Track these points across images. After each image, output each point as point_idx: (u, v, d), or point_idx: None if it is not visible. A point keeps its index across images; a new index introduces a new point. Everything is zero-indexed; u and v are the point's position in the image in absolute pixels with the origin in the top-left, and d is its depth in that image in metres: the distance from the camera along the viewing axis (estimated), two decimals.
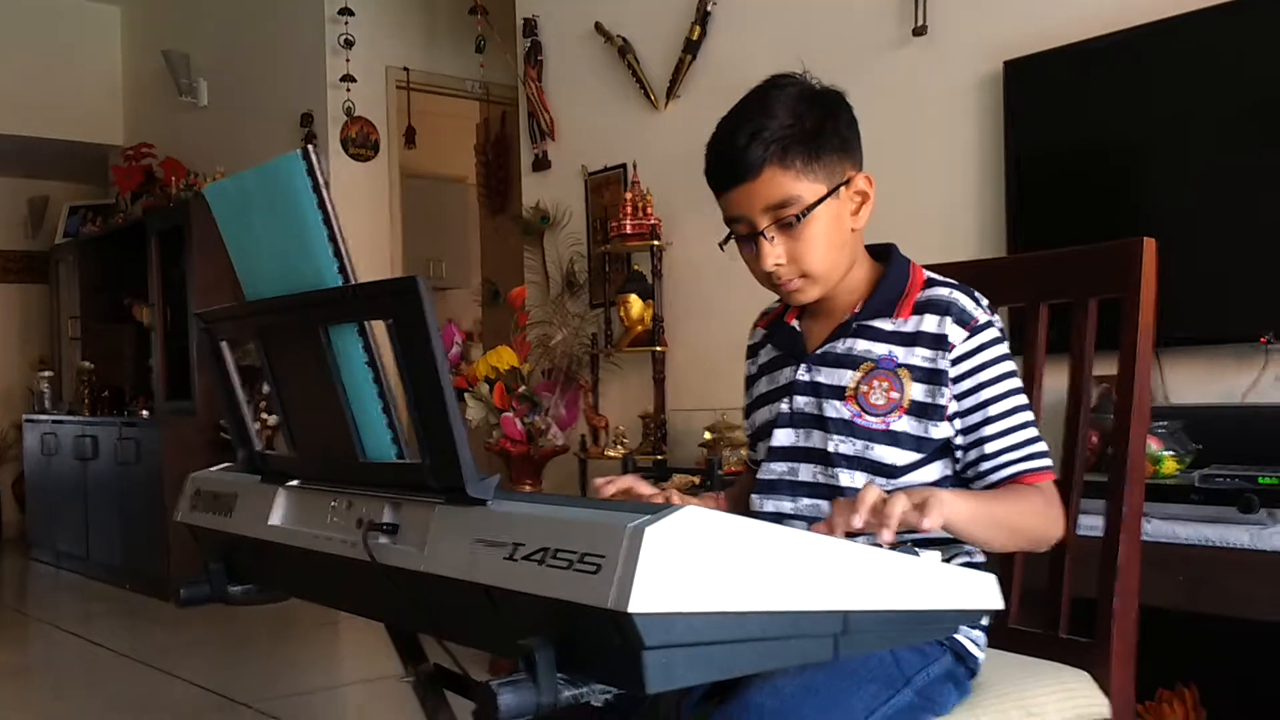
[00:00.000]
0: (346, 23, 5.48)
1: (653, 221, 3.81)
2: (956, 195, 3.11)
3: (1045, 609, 1.64)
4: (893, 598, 1.05)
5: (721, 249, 1.54)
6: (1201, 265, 2.47)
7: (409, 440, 1.19)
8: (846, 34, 3.37)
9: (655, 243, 3.80)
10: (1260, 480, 2.01)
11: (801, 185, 1.41)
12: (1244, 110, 2.51)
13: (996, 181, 2.99)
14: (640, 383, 3.94)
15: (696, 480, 3.29)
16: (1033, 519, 1.38)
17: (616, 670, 0.95)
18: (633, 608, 0.88)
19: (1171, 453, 2.19)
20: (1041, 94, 2.88)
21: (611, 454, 3.74)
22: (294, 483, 1.41)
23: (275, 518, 1.40)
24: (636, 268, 3.92)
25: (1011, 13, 2.98)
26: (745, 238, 1.48)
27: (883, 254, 1.53)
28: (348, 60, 5.51)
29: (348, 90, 5.55)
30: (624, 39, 4.07)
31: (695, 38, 3.80)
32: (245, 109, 6.32)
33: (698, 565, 0.92)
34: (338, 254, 1.16)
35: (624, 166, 4.09)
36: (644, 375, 3.90)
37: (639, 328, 3.79)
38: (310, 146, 1.14)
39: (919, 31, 3.16)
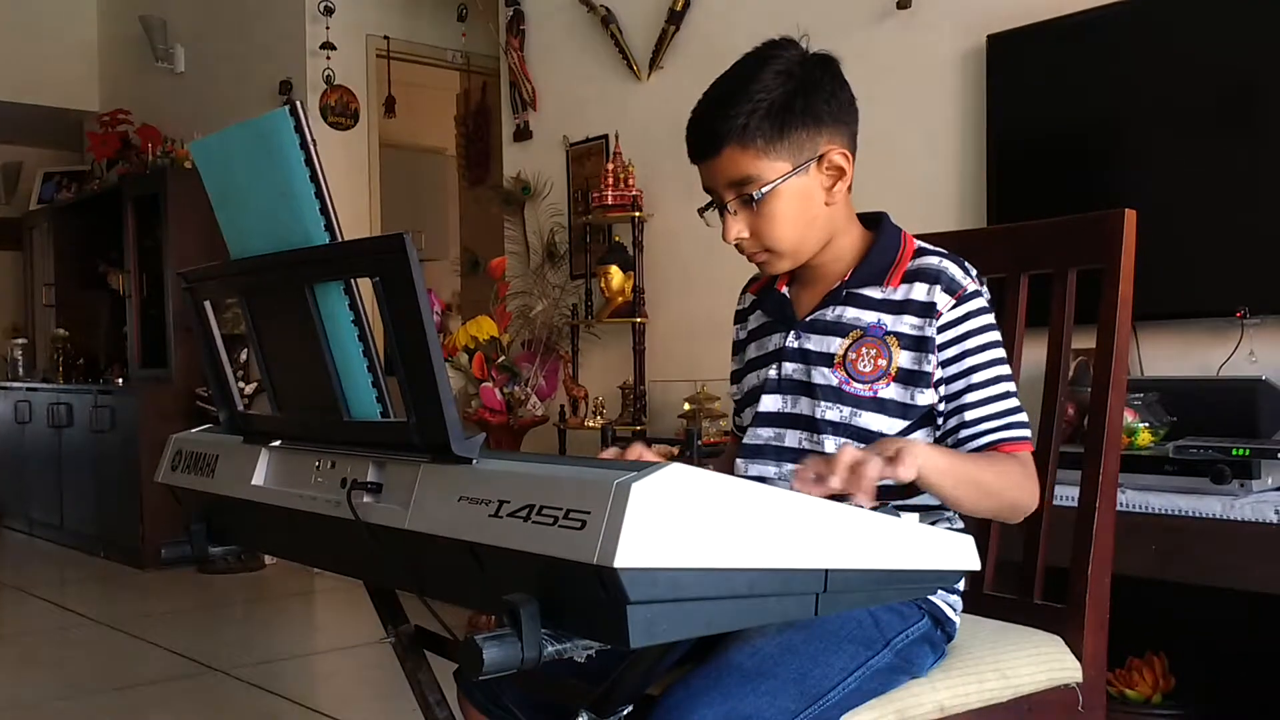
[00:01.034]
0: None
1: (634, 193, 3.80)
2: (939, 167, 3.12)
3: (1020, 576, 1.66)
4: (872, 557, 1.06)
5: (701, 216, 1.54)
6: (1179, 240, 2.49)
7: (393, 399, 1.20)
8: (830, 6, 3.37)
9: (636, 214, 3.80)
10: (1233, 452, 2.04)
11: (761, 164, 1.42)
12: (1219, 89, 2.53)
13: (978, 154, 3.00)
14: (620, 353, 3.95)
15: (675, 451, 3.31)
16: (1008, 485, 1.39)
17: (600, 626, 0.96)
18: (618, 562, 0.89)
19: (1146, 425, 2.22)
20: (1023, 68, 2.89)
21: (591, 424, 3.75)
22: (277, 443, 1.41)
23: (258, 478, 1.40)
24: (617, 239, 3.92)
25: None
26: (717, 208, 1.49)
27: (874, 222, 1.53)
28: (327, 28, 5.46)
29: (328, 58, 5.51)
30: (607, 8, 4.06)
31: (679, 8, 3.80)
32: (223, 76, 6.27)
33: (682, 521, 0.93)
34: (324, 211, 1.15)
35: (605, 137, 4.08)
36: (624, 346, 3.91)
37: (619, 299, 3.80)
38: (298, 103, 1.13)
39: (903, 4, 3.16)
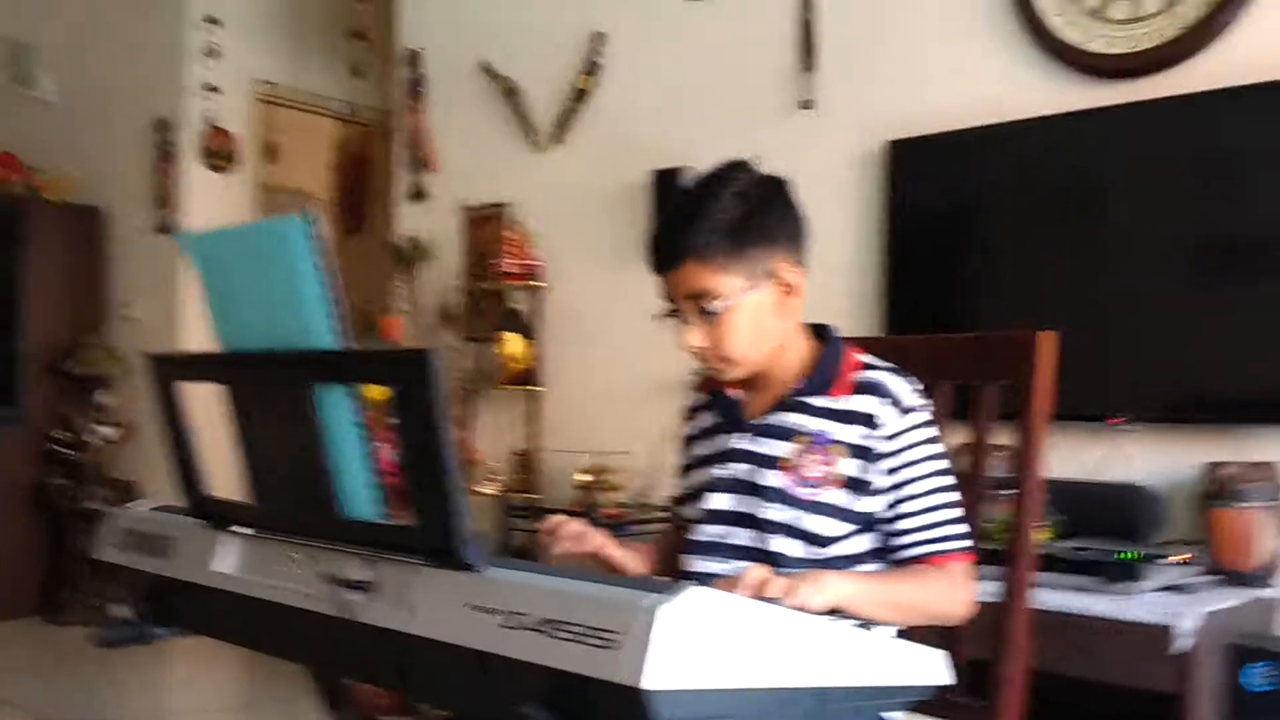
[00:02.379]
0: (212, 31, 5.34)
1: (535, 262, 3.85)
2: (835, 263, 3.26)
3: None
4: (860, 674, 1.13)
5: (656, 321, 1.61)
6: (1061, 344, 2.67)
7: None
8: (735, 99, 3.51)
9: (535, 283, 3.85)
10: (1118, 555, 2.19)
11: (719, 280, 1.50)
12: (1085, 204, 2.77)
13: (873, 252, 3.15)
14: (511, 420, 3.97)
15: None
16: (930, 599, 1.49)
17: None
18: (645, 683, 0.93)
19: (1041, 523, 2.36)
20: (919, 172, 3.07)
21: (484, 490, 3.76)
22: (241, 530, 1.41)
23: (224, 565, 1.39)
24: (514, 306, 3.96)
25: (894, 95, 3.17)
26: (675, 316, 1.56)
27: (818, 333, 1.62)
28: (209, 69, 5.37)
29: (207, 99, 5.40)
30: (511, 81, 4.12)
31: (584, 87, 3.88)
32: (93, 108, 6.06)
33: (705, 643, 0.98)
34: (332, 316, 1.18)
35: (505, 205, 4.12)
36: (515, 414, 3.94)
37: (519, 366, 3.82)
38: (316, 214, 1.16)
39: (806, 105, 3.31)
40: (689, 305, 1.52)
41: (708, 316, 1.51)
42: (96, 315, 5.84)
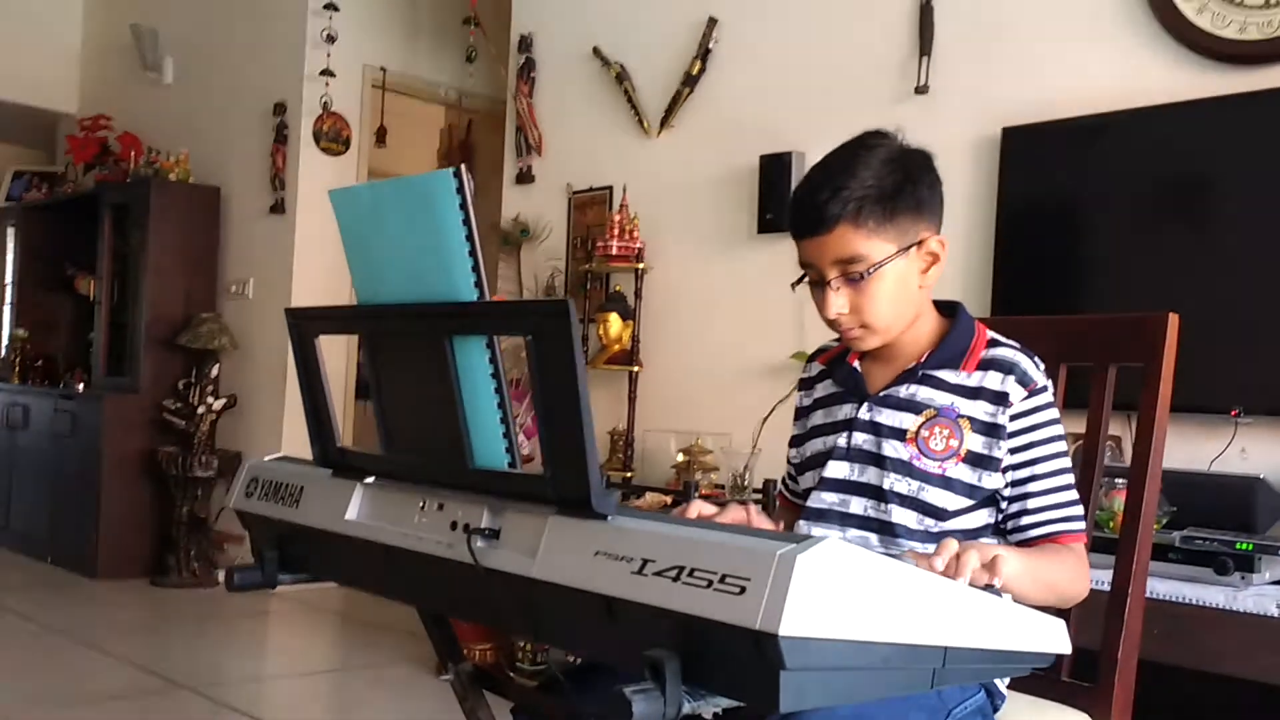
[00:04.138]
0: (330, 18, 5.47)
1: (638, 245, 3.88)
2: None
3: None
4: (984, 636, 1.13)
5: (793, 289, 1.62)
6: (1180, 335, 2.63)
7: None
8: (848, 85, 3.49)
9: (639, 265, 3.88)
10: (1237, 545, 2.15)
11: (871, 244, 1.50)
12: (1204, 193, 2.72)
13: (985, 240, 3.12)
14: (610, 400, 4.01)
15: (668, 500, 3.37)
16: (1068, 579, 1.49)
17: (747, 687, 1.02)
18: (782, 630, 0.95)
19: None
20: (1034, 160, 3.03)
21: None
22: (370, 480, 1.45)
23: (352, 512, 1.44)
24: (618, 288, 3.99)
25: (1011, 81, 3.13)
26: (815, 283, 1.56)
27: (949, 309, 1.62)
28: (328, 55, 5.50)
29: (326, 85, 5.53)
30: (622, 65, 4.15)
31: (695, 72, 3.90)
32: (213, 91, 6.26)
33: (838, 594, 0.99)
34: (476, 269, 1.21)
35: (610, 188, 4.16)
36: (615, 393, 3.98)
37: (616, 346, 3.86)
38: (463, 166, 1.19)
39: (921, 90, 3.29)
40: (834, 270, 1.52)
41: (854, 283, 1.52)
42: (210, 292, 6.03)
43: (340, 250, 1.37)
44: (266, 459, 1.68)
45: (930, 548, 1.51)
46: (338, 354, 5.45)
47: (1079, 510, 1.54)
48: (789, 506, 1.77)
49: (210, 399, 5.68)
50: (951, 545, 1.29)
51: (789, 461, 1.77)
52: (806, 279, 1.58)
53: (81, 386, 6.22)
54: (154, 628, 4.83)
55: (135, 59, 6.56)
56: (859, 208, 1.48)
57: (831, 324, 1.58)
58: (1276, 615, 2.05)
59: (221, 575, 5.49)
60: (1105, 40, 2.95)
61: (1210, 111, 2.71)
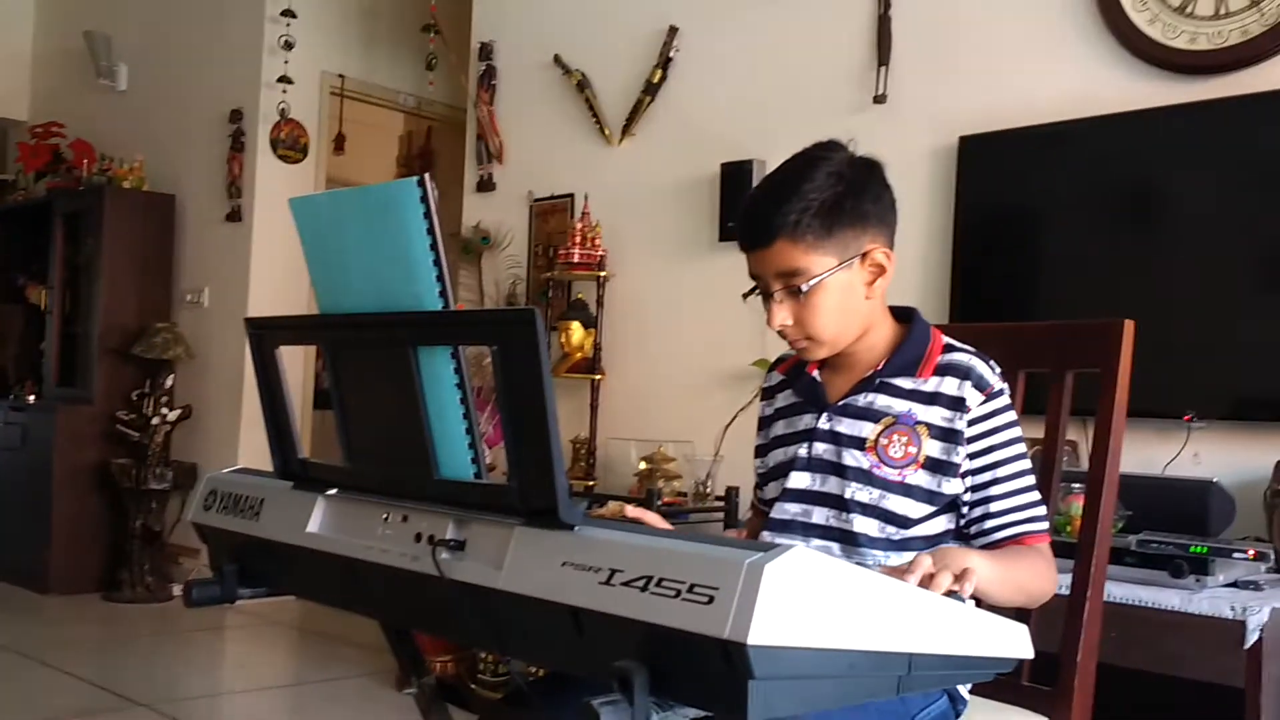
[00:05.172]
0: (288, 24, 5.43)
1: (600, 253, 3.88)
2: (904, 257, 3.25)
3: None
4: (949, 642, 1.14)
5: (744, 300, 1.63)
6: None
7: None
8: (808, 94, 3.51)
9: (601, 273, 3.88)
10: (1191, 549, 2.18)
11: (810, 258, 1.51)
12: (1159, 201, 2.77)
13: (943, 248, 3.15)
14: (572, 408, 4.00)
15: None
16: (1038, 579, 1.50)
17: (715, 698, 1.02)
18: (750, 639, 0.95)
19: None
20: (990, 168, 3.06)
21: None
22: (332, 492, 1.44)
23: (314, 525, 1.42)
24: (580, 296, 3.99)
25: (968, 91, 3.16)
26: (764, 294, 1.58)
27: (905, 316, 1.63)
28: (286, 62, 5.46)
29: (284, 91, 5.49)
30: (583, 73, 4.15)
31: (656, 80, 3.90)
32: (168, 98, 6.19)
33: (806, 602, 0.99)
34: (441, 279, 1.20)
35: (571, 196, 4.16)
36: (577, 401, 3.97)
37: (578, 354, 3.86)
38: (427, 176, 1.19)
39: (879, 99, 3.31)
40: (778, 283, 1.53)
41: (796, 295, 1.53)
42: (165, 301, 5.96)
43: (298, 259, 1.36)
44: (225, 471, 1.66)
45: (893, 556, 1.52)
46: (295, 364, 5.41)
47: (1042, 510, 1.55)
48: (761, 515, 1.77)
49: (165, 410, 5.61)
50: (924, 562, 1.29)
51: (756, 471, 1.77)
52: (758, 290, 1.59)
53: (33, 398, 6.13)
54: (107, 644, 4.76)
55: (88, 66, 6.48)
56: (798, 221, 1.49)
57: (780, 334, 1.59)
58: (1231, 617, 2.08)
59: (177, 589, 5.42)
60: (1060, 51, 3.00)
61: (1162, 120, 2.75)
